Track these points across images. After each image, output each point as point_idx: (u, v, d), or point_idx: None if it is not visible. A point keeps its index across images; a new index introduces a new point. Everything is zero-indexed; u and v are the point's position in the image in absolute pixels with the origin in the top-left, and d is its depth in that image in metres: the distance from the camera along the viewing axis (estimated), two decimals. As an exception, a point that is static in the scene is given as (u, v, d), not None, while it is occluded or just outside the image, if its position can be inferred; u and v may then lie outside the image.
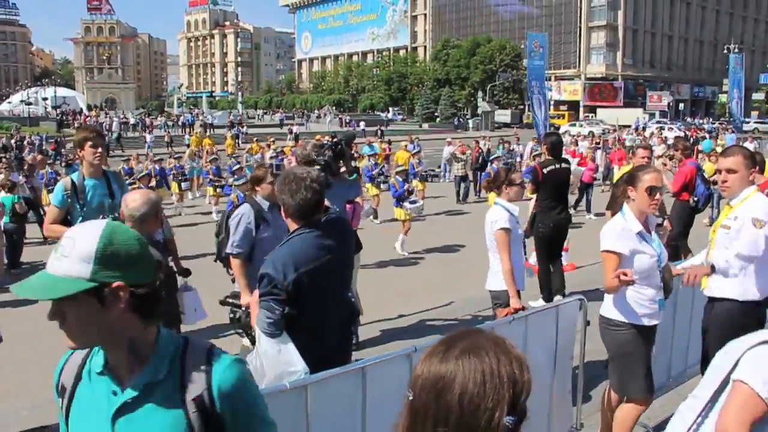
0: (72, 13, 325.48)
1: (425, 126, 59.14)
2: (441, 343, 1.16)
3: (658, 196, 3.28)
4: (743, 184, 3.51)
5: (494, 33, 75.64)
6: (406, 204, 10.56)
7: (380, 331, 6.37)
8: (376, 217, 12.79)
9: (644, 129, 38.66)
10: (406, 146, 20.33)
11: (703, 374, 2.57)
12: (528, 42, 27.87)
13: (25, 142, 31.69)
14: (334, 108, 76.08)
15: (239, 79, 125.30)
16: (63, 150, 28.65)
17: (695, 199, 7.49)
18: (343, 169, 4.97)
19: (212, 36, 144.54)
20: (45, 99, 66.26)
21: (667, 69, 77.38)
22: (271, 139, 24.61)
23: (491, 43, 69.52)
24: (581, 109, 67.69)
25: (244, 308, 3.61)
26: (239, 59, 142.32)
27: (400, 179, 11.11)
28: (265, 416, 1.48)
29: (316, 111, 74.47)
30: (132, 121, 52.50)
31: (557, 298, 6.49)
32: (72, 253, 1.28)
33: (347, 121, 58.14)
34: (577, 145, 20.22)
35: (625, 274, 3.06)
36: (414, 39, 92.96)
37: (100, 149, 4.42)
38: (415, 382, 1.13)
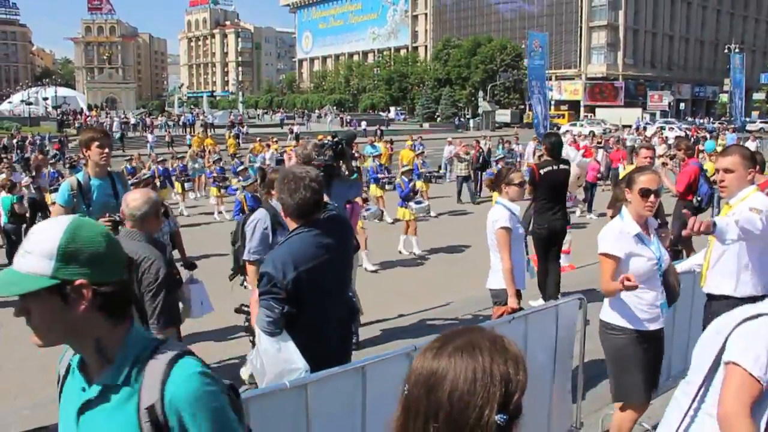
0: (72, 12, 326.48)
1: (426, 126, 59.01)
2: (438, 339, 1.17)
3: (652, 198, 3.21)
4: (741, 184, 3.49)
5: (495, 33, 75.63)
6: (412, 204, 10.52)
7: (380, 330, 6.38)
8: (381, 219, 12.75)
9: (645, 129, 38.62)
10: (412, 146, 20.23)
11: None
12: (528, 42, 27.92)
13: (27, 143, 31.69)
14: (334, 108, 76.09)
15: (240, 78, 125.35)
16: (66, 150, 28.67)
17: (699, 199, 7.46)
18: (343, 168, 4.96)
19: (213, 36, 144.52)
20: (45, 99, 66.37)
21: (667, 69, 77.35)
22: (274, 139, 24.50)
23: (492, 43, 69.52)
24: (582, 109, 67.66)
25: None
26: (240, 59, 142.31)
27: (406, 179, 11.11)
28: None
29: (316, 111, 74.46)
30: (132, 121, 52.45)
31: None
32: (35, 250, 1.25)
33: (348, 120, 58.12)
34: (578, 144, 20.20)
35: (629, 280, 3.01)
36: (415, 39, 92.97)
37: (107, 150, 4.47)
38: (409, 377, 1.15)
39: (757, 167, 3.64)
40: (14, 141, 32.03)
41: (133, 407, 1.30)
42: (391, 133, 38.07)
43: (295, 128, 41.54)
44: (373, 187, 13.69)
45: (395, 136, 31.50)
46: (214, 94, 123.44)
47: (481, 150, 18.21)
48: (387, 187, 15.08)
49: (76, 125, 48.05)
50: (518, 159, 20.77)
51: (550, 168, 6.74)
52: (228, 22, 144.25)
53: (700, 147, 18.77)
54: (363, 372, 2.73)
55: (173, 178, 16.13)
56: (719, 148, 16.42)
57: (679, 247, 7.12)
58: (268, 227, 4.44)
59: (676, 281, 3.48)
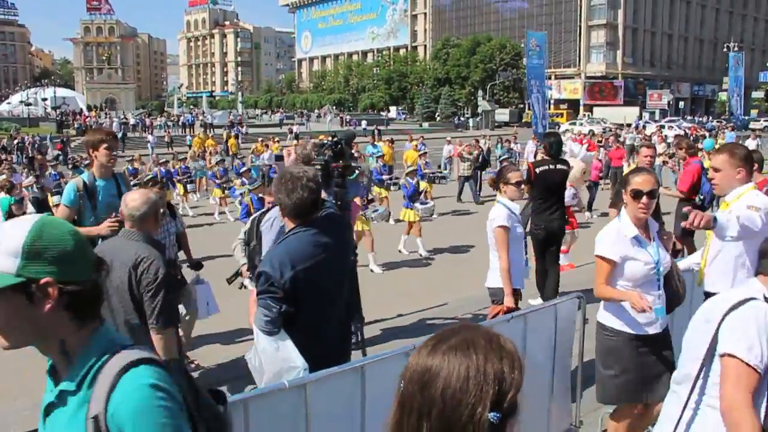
0: (71, 13, 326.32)
1: (425, 125, 59.04)
2: (434, 337, 1.17)
3: (644, 199, 3.11)
4: (730, 182, 3.51)
5: (494, 32, 75.66)
6: (417, 205, 10.44)
7: (380, 330, 6.37)
8: (389, 220, 12.71)
9: (644, 128, 38.60)
10: (416, 146, 20.10)
11: None
12: (526, 41, 27.93)
13: (27, 143, 31.68)
14: (334, 107, 76.08)
15: (239, 78, 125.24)
16: (69, 150, 28.65)
17: (701, 197, 7.44)
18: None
19: (212, 36, 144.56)
20: (44, 99, 66.28)
21: (667, 67, 77.37)
22: (275, 140, 24.36)
23: (491, 42, 69.55)
24: (581, 108, 67.66)
25: None
26: (239, 59, 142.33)
27: (411, 180, 11.08)
28: None
29: (316, 110, 74.48)
30: (132, 121, 52.43)
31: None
32: (0, 248, 1.23)
33: (348, 120, 58.08)
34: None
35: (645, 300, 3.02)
36: (414, 38, 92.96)
37: (114, 152, 4.57)
38: (405, 373, 1.15)
39: (755, 165, 3.65)
40: (14, 142, 32.03)
41: (83, 415, 1.25)
42: (391, 133, 38.04)
43: (295, 128, 41.55)
44: (375, 188, 13.63)
45: (395, 136, 31.45)
46: (214, 94, 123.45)
47: (480, 149, 18.22)
48: (392, 188, 14.98)
49: (76, 126, 48.12)
50: (517, 158, 20.78)
51: (546, 167, 6.64)
52: (227, 22, 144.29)
53: (699, 145, 18.78)
54: (362, 371, 2.74)
55: (175, 180, 16.10)
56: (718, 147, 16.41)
57: (680, 246, 7.09)
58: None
59: (681, 285, 3.40)
